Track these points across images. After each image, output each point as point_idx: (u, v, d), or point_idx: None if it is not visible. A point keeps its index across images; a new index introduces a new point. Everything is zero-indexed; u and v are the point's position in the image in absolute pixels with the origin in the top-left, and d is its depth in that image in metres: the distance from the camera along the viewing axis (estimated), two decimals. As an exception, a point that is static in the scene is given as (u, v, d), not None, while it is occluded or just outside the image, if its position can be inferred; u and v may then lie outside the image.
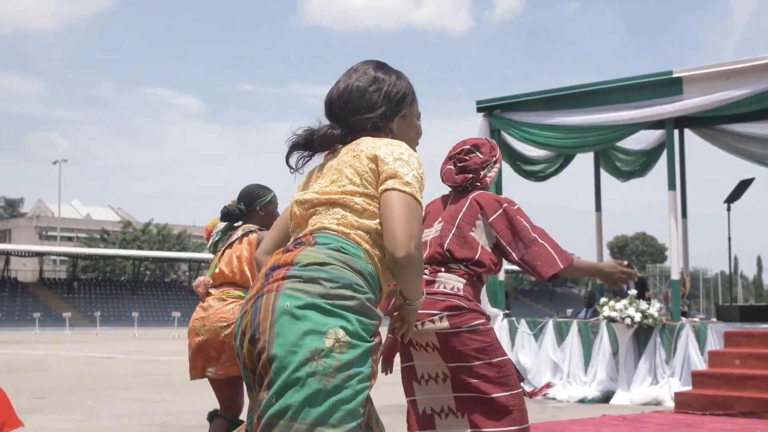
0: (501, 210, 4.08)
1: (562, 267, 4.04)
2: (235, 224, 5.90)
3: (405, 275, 2.70)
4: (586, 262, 4.36)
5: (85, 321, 60.15)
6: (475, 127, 14.30)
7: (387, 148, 2.79)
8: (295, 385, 2.49)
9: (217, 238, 5.93)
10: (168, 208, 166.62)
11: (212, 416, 5.76)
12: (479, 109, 14.28)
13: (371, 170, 2.76)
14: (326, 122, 2.96)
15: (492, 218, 4.07)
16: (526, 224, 4.08)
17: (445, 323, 3.84)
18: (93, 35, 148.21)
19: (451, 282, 3.95)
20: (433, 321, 3.84)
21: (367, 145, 2.82)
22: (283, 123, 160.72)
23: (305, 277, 2.58)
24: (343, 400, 2.50)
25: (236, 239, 5.75)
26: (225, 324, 5.50)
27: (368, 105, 2.90)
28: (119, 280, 76.87)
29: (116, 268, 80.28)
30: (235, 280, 5.68)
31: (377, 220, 2.73)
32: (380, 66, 2.99)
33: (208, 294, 5.74)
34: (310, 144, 2.93)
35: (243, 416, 5.76)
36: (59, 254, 78.09)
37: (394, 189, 2.69)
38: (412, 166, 2.74)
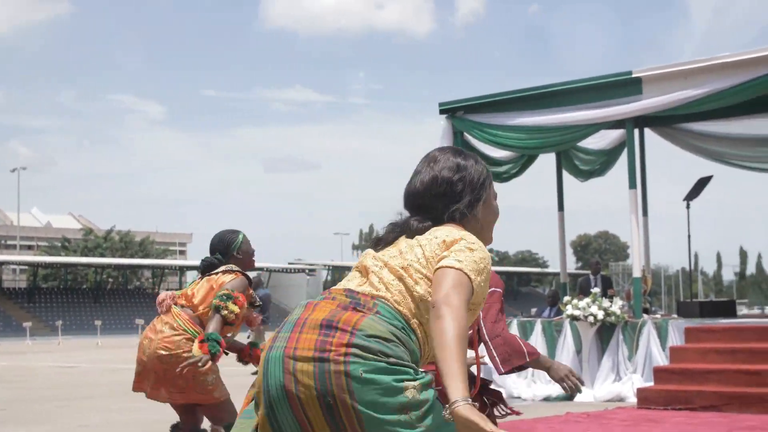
0: None
1: (527, 360, 4.22)
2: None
3: (434, 333, 2.56)
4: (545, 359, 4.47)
5: (47, 330, 59.51)
6: (438, 129, 14.38)
7: (455, 236, 2.79)
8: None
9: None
10: (130, 215, 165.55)
11: (174, 429, 5.81)
12: (442, 111, 14.35)
13: (437, 255, 2.76)
14: (407, 213, 2.97)
15: None
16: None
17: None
18: (51, 41, 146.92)
19: None
20: None
21: (444, 231, 2.83)
22: (247, 128, 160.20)
23: (370, 349, 2.55)
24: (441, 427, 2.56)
25: (219, 272, 5.78)
26: (167, 353, 5.50)
27: (455, 195, 2.92)
28: (81, 289, 76.15)
29: (78, 276, 79.53)
30: (192, 307, 5.69)
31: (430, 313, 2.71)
32: (459, 153, 3.01)
33: (169, 309, 5.74)
34: (396, 237, 2.92)
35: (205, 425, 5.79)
36: (19, 263, 77.24)
37: (450, 267, 2.67)
38: (474, 256, 2.72)
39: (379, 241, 2.93)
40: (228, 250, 5.83)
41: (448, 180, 2.92)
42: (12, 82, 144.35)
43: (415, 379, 2.56)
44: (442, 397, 2.53)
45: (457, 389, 2.41)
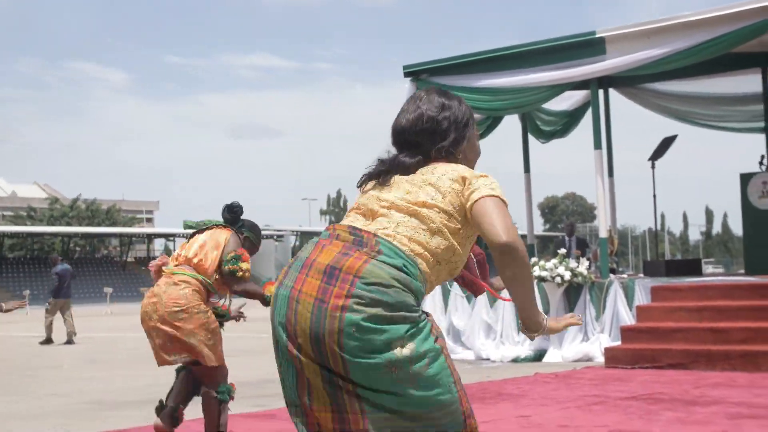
0: None
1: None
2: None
3: (514, 269, 2.80)
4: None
5: (14, 300, 59.15)
6: (403, 92, 14.32)
7: (468, 171, 2.94)
8: (390, 394, 2.68)
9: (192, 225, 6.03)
10: (96, 183, 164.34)
11: (180, 369, 5.94)
12: (406, 74, 14.29)
13: (454, 190, 2.88)
14: (394, 150, 3.06)
15: None
16: None
17: None
18: (11, 9, 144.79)
19: None
20: None
21: (446, 168, 2.94)
22: (213, 95, 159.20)
23: (367, 300, 2.67)
24: (432, 382, 2.70)
25: (204, 226, 5.91)
26: (178, 309, 5.55)
27: (441, 133, 3.02)
28: (48, 258, 75.65)
29: (45, 245, 78.95)
30: (192, 264, 5.73)
31: (445, 245, 2.86)
32: (444, 93, 3.11)
33: (159, 273, 5.78)
34: (385, 173, 3.00)
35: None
36: (-15, 233, 76.54)
37: (487, 195, 2.83)
38: (494, 183, 2.89)
39: (370, 177, 3.01)
40: (254, 233, 6.08)
41: (434, 118, 3.02)
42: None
43: (408, 336, 2.67)
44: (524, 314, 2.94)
45: (541, 317, 3.02)
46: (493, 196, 2.83)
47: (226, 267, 5.65)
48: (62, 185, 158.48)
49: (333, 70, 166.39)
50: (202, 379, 5.79)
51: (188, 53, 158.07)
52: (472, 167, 3.10)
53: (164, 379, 7.83)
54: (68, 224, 77.91)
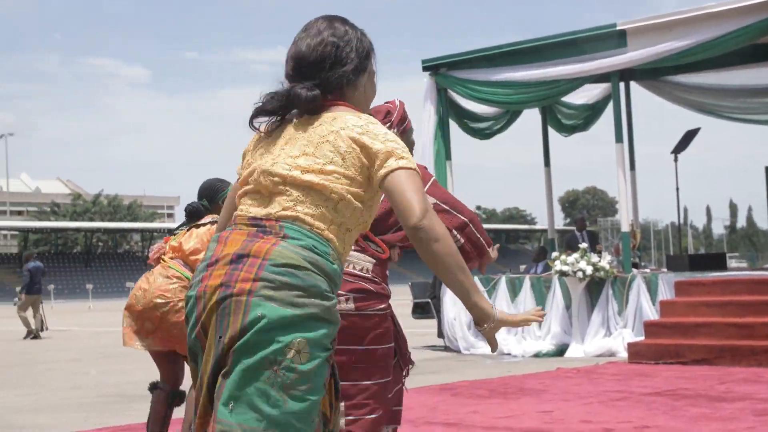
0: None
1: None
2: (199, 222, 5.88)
3: (434, 255, 2.56)
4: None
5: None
6: (421, 86, 14.26)
7: (367, 128, 2.67)
8: (255, 396, 2.46)
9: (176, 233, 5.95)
10: (118, 179, 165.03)
11: (153, 387, 5.79)
12: (425, 68, 14.21)
13: (355, 153, 2.64)
14: (291, 82, 2.80)
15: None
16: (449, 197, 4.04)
17: (351, 305, 3.71)
18: (32, 6, 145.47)
19: (361, 263, 3.82)
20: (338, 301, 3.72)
21: (344, 123, 2.69)
22: (230, 90, 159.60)
23: (277, 283, 2.48)
24: (300, 412, 2.48)
25: (200, 224, 5.77)
26: (164, 302, 5.51)
27: (342, 60, 2.78)
28: (72, 253, 76.08)
29: (68, 240, 79.45)
30: (183, 257, 5.67)
31: (350, 211, 2.66)
32: (344, 21, 2.89)
33: (158, 261, 5.73)
34: (280, 108, 2.77)
35: (185, 387, 5.74)
36: (9, 229, 77.08)
37: (399, 168, 2.59)
38: (398, 142, 2.67)
39: (258, 113, 2.77)
40: (215, 197, 5.83)
41: (335, 44, 2.79)
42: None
43: (310, 343, 2.48)
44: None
45: (487, 304, 2.66)
46: (405, 168, 2.59)
47: None
48: (85, 181, 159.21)
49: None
50: (167, 374, 5.74)
51: (207, 49, 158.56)
52: (369, 105, 2.92)
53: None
54: (91, 220, 78.37)
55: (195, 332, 2.61)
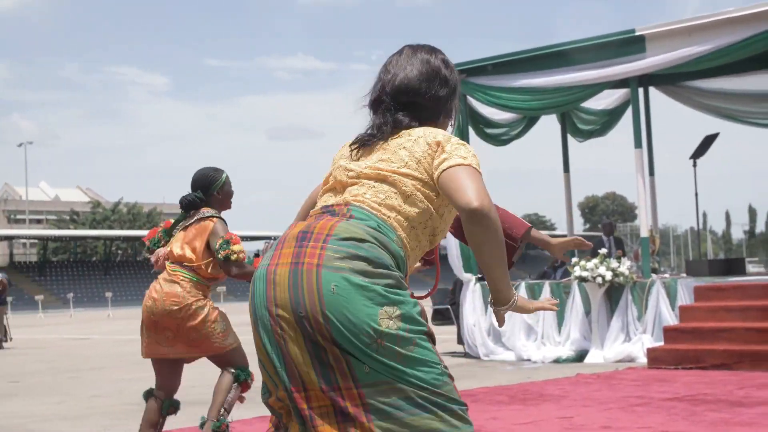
0: None
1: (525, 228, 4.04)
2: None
3: (484, 237, 2.58)
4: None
5: (58, 303, 59.81)
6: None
7: (445, 135, 2.73)
8: (372, 372, 2.50)
9: (170, 230, 5.96)
10: (137, 186, 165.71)
11: (148, 395, 5.84)
12: (444, 75, 14.22)
13: (429, 156, 2.69)
14: (378, 103, 2.85)
15: None
16: None
17: None
18: (54, 15, 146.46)
19: None
20: None
21: (424, 131, 2.75)
22: (250, 97, 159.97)
23: (343, 253, 2.53)
24: (421, 361, 2.54)
25: (193, 222, 5.79)
26: (177, 307, 5.58)
27: (445, 96, 2.86)
28: (91, 261, 76.44)
29: (87, 248, 79.81)
30: (184, 261, 5.73)
31: (420, 209, 2.69)
32: (439, 50, 2.92)
33: (164, 267, 5.81)
34: (375, 136, 2.82)
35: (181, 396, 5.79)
36: (29, 237, 77.49)
37: (458, 165, 2.63)
38: (470, 152, 2.69)
39: (362, 139, 2.83)
40: (209, 188, 5.84)
41: (446, 79, 2.85)
42: (14, 56, 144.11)
43: (394, 304, 2.52)
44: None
45: (511, 288, 2.75)
46: (466, 165, 2.63)
47: (219, 256, 5.54)
48: (104, 189, 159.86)
49: (371, 71, 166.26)
50: (221, 366, 5.80)
51: (227, 56, 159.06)
52: None
53: (204, 380, 7.88)
54: (110, 227, 78.70)
55: (268, 313, 2.59)
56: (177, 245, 5.77)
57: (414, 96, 2.82)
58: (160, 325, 5.62)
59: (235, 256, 5.51)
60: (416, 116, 2.82)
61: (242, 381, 5.71)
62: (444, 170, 2.63)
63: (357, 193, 2.71)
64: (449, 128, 2.94)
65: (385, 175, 2.70)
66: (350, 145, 2.86)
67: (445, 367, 2.62)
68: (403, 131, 2.78)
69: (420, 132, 2.75)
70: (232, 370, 5.71)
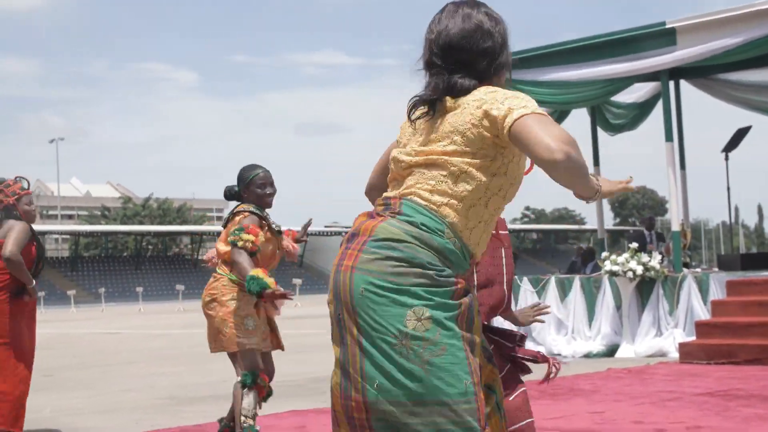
0: None
1: None
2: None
3: (570, 181, 2.53)
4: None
5: (90, 298, 60.26)
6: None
7: (486, 97, 2.63)
8: (394, 370, 2.51)
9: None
10: (167, 182, 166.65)
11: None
12: (473, 69, 14.18)
13: (474, 128, 2.61)
14: (434, 67, 2.74)
15: None
16: None
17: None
18: (83, 12, 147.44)
19: None
20: None
21: (472, 97, 2.66)
22: (278, 93, 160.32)
23: (376, 255, 2.57)
24: (443, 369, 2.49)
25: (227, 219, 5.96)
26: (209, 299, 5.79)
27: (497, 50, 2.76)
28: (122, 256, 76.90)
29: (118, 244, 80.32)
30: (222, 258, 5.88)
31: (472, 186, 2.62)
32: (480, 5, 2.81)
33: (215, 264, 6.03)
34: (437, 97, 2.72)
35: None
36: (61, 233, 78.08)
37: (521, 116, 2.51)
38: (518, 96, 2.61)
39: (417, 104, 2.75)
40: (239, 183, 5.97)
41: (490, 32, 2.75)
42: (44, 54, 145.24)
43: (425, 306, 2.51)
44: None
45: (594, 183, 2.68)
46: (525, 114, 2.50)
47: (230, 239, 5.59)
48: (134, 185, 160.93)
49: (398, 65, 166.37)
50: (237, 365, 5.91)
51: (254, 52, 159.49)
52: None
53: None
54: (141, 223, 79.16)
55: (337, 310, 2.66)
56: (220, 243, 5.90)
57: (459, 53, 2.71)
58: (206, 319, 5.86)
59: (241, 243, 5.51)
60: (469, 74, 2.71)
61: (250, 385, 5.65)
62: (509, 127, 2.52)
63: (410, 184, 2.70)
64: (504, 82, 2.85)
65: (434, 159, 2.66)
66: (408, 114, 2.80)
67: (476, 384, 2.53)
68: (459, 99, 2.69)
69: (469, 99, 2.66)
70: (239, 378, 5.73)
